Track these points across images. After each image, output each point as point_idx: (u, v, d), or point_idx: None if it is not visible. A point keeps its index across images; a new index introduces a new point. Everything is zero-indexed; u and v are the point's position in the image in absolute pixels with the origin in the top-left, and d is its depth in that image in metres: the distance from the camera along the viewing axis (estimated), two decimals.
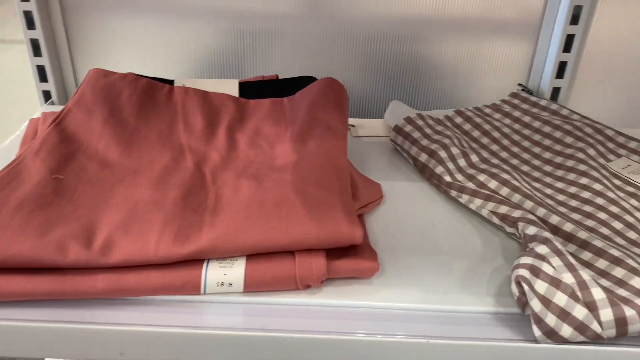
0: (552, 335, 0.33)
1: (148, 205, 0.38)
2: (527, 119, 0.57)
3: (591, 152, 0.51)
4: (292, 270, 0.35)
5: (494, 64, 0.65)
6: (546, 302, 0.33)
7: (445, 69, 0.66)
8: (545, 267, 0.35)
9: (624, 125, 0.69)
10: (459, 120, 0.58)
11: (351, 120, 0.62)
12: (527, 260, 0.35)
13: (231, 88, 0.51)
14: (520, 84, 0.62)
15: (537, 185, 0.48)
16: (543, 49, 0.61)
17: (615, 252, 0.38)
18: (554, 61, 0.60)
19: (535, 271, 0.34)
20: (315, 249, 0.36)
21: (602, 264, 0.38)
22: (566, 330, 0.33)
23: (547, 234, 0.38)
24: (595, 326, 0.32)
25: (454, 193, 0.47)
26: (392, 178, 0.52)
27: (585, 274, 0.34)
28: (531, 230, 0.39)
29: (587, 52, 0.63)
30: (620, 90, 0.66)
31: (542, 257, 0.35)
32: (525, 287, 0.34)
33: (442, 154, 0.50)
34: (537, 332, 0.33)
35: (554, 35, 0.59)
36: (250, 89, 0.52)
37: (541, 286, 0.34)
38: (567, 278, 0.34)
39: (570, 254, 0.40)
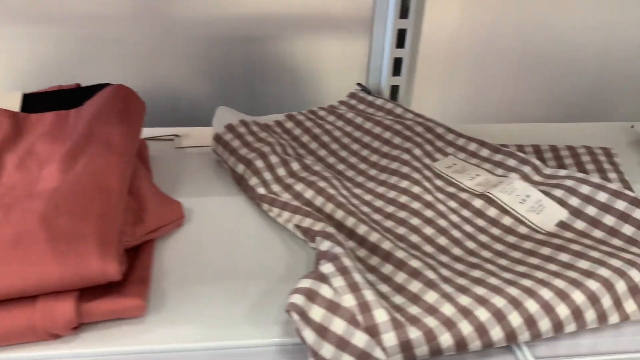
0: None
1: None
2: (359, 120, 0.54)
3: (417, 152, 0.48)
4: (30, 319, 0.29)
5: (333, 63, 0.62)
6: (322, 331, 0.29)
7: (284, 71, 0.62)
8: (324, 290, 0.31)
9: (467, 121, 0.69)
10: (289, 125, 0.54)
11: (178, 130, 0.56)
12: (305, 283, 0.31)
13: (11, 102, 0.44)
14: (358, 84, 0.59)
15: (358, 191, 0.45)
16: (378, 46, 0.59)
17: (415, 264, 0.35)
18: (388, 57, 0.58)
19: (312, 296, 0.31)
20: (63, 291, 0.30)
21: (400, 277, 0.35)
22: None
23: (338, 250, 0.34)
24: (378, 353, 0.29)
25: (265, 207, 0.43)
26: (210, 193, 0.47)
27: (370, 294, 0.31)
28: (324, 245, 0.35)
29: (423, 47, 0.61)
30: (462, 85, 0.65)
31: (322, 278, 0.32)
32: (295, 316, 0.30)
33: (259, 163, 0.46)
34: None
35: (387, 31, 0.57)
36: (39, 102, 0.45)
37: (317, 313, 0.30)
38: (347, 300, 0.30)
39: (372, 268, 0.36)
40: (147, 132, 0.56)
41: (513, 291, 0.32)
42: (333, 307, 0.30)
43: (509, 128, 0.60)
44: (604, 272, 0.34)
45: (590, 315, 0.32)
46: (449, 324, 0.30)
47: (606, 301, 0.33)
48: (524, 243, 0.38)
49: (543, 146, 0.52)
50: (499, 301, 0.31)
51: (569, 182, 0.42)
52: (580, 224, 0.39)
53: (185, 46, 0.60)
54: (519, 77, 0.67)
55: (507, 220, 0.41)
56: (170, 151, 0.53)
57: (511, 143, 0.57)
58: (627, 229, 0.38)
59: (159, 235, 0.39)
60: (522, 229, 0.40)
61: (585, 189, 0.41)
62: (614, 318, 0.33)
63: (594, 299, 0.32)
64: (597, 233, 0.39)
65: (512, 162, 0.46)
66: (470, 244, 0.39)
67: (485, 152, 0.48)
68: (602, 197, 0.40)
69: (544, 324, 0.31)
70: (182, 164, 0.51)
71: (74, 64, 0.60)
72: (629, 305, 0.33)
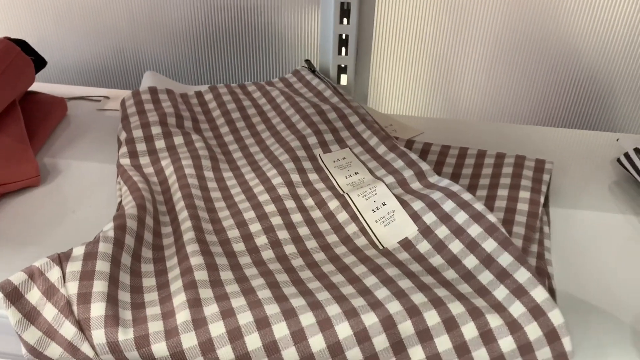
0: None
1: None
2: (280, 99, 0.50)
3: (312, 140, 0.44)
4: None
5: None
6: (33, 314, 0.28)
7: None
8: (52, 273, 0.29)
9: (426, 112, 0.61)
10: (208, 97, 0.51)
11: (110, 92, 0.56)
12: (40, 262, 0.30)
13: None
14: (306, 60, 0.55)
15: (228, 174, 0.42)
16: (326, 21, 0.54)
17: (196, 261, 0.32)
18: (332, 34, 0.52)
19: (35, 276, 0.29)
20: None
21: (173, 273, 0.32)
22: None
23: (110, 234, 0.32)
24: (86, 349, 0.27)
25: (118, 177, 0.42)
26: (90, 158, 0.46)
27: (101, 286, 0.29)
28: (108, 226, 0.33)
29: (382, 26, 0.55)
30: (426, 73, 0.58)
31: (63, 259, 0.30)
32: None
33: (137, 133, 0.44)
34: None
35: (330, 3, 0.51)
36: None
37: (33, 295, 0.28)
38: (71, 288, 0.28)
39: (159, 259, 0.34)
40: (82, 91, 0.56)
41: (270, 309, 0.28)
42: (50, 292, 0.28)
43: (476, 125, 0.53)
44: (393, 307, 0.28)
45: (353, 354, 0.27)
46: (171, 333, 0.27)
47: (379, 343, 0.27)
48: (347, 257, 0.33)
49: (471, 150, 0.45)
50: (237, 320, 0.27)
51: (436, 195, 0.35)
52: (424, 246, 0.33)
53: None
54: (495, 69, 0.58)
55: (351, 228, 0.36)
56: (92, 113, 0.53)
57: (457, 142, 0.50)
58: (470, 261, 0.31)
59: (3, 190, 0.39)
60: (361, 241, 0.35)
61: (448, 206, 0.34)
62: None
63: (361, 337, 0.27)
64: (436, 260, 0.32)
65: (399, 164, 0.40)
66: (290, 248, 0.34)
67: (382, 149, 0.42)
68: (460, 217, 0.33)
69: (288, 354, 0.27)
70: (91, 125, 0.51)
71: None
72: (414, 353, 0.27)
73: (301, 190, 0.39)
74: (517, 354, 0.28)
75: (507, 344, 0.28)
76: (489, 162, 0.43)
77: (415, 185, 0.38)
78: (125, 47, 0.63)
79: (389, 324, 0.28)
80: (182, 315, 0.28)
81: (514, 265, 0.30)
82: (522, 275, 0.29)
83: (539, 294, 0.28)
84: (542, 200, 0.39)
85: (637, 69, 0.58)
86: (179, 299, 0.29)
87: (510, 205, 0.38)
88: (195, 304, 0.28)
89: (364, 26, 0.53)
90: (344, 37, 0.53)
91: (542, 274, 0.34)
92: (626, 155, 0.45)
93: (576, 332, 0.32)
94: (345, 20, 0.52)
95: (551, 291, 0.34)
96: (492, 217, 0.33)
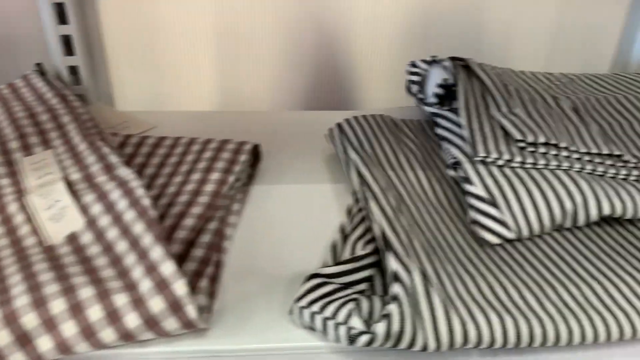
0: None
1: None
2: None
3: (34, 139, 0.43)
4: None
5: None
6: None
7: None
8: None
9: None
10: None
11: None
12: None
13: None
14: (37, 63, 0.54)
15: None
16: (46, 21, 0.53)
17: None
18: (54, 35, 0.51)
19: None
20: None
21: None
22: None
23: None
24: None
25: None
26: None
27: None
28: None
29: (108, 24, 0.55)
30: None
31: None
32: None
33: None
34: None
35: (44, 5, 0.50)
36: None
37: None
38: None
39: None
40: None
41: None
42: None
43: (211, 116, 0.54)
44: (20, 301, 0.28)
45: None
46: None
47: (2, 338, 0.28)
48: (7, 259, 0.33)
49: (183, 139, 0.46)
50: None
51: (109, 186, 0.36)
52: (87, 237, 0.34)
53: None
54: (227, 61, 0.61)
55: (24, 229, 0.36)
56: None
57: (192, 133, 0.51)
58: (121, 246, 0.33)
59: None
60: (30, 241, 0.35)
61: (115, 195, 0.35)
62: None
63: None
64: (94, 249, 0.33)
65: (90, 159, 0.40)
66: None
67: (82, 147, 0.42)
68: (122, 205, 0.35)
69: None
70: None
71: None
72: (41, 344, 0.28)
73: None
74: (144, 328, 0.29)
75: (132, 320, 0.29)
76: (196, 148, 0.45)
77: (101, 178, 0.39)
78: None
79: (11, 319, 0.28)
80: None
81: (152, 244, 0.32)
82: (156, 253, 0.31)
83: (168, 268, 0.30)
84: (231, 179, 0.41)
85: (367, 51, 0.63)
86: None
87: (198, 187, 0.40)
88: None
89: (90, 25, 0.53)
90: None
91: (215, 249, 0.36)
92: (330, 130, 0.49)
93: (244, 302, 0.34)
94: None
95: (219, 264, 0.36)
96: (145, 201, 0.34)
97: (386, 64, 0.64)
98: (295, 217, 0.41)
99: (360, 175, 0.41)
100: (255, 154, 0.47)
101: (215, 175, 0.41)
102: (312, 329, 0.32)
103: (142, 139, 0.47)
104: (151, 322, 0.29)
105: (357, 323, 0.30)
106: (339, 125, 0.48)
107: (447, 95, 0.48)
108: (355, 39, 0.62)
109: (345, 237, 0.38)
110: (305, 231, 0.40)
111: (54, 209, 0.36)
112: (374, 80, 0.65)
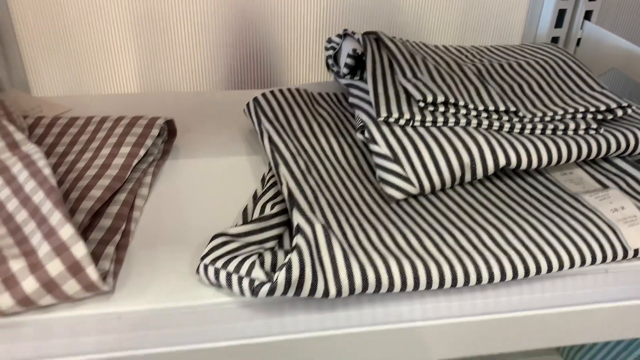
0: None
1: None
2: None
3: None
4: None
5: None
6: None
7: None
8: None
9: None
10: None
11: None
12: None
13: None
14: None
15: None
16: None
17: None
18: None
19: None
20: None
21: None
22: None
23: None
24: None
25: None
26: None
27: None
28: None
29: None
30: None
31: None
32: None
33: None
34: None
35: None
36: None
37: None
38: None
39: None
40: None
41: None
42: None
43: (130, 98, 0.54)
44: None
45: None
46: None
47: None
48: None
49: (95, 118, 0.46)
50: None
51: (11, 161, 0.36)
52: None
53: None
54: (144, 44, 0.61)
55: None
56: None
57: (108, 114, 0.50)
58: (20, 216, 0.32)
59: None
60: None
61: (16, 168, 0.35)
62: None
63: None
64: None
65: None
66: None
67: (11, 128, 0.41)
68: (22, 176, 0.34)
69: None
70: None
71: None
72: None
73: None
74: (43, 292, 0.29)
75: (29, 284, 0.29)
76: (108, 125, 0.45)
77: (4, 155, 0.38)
78: None
79: None
80: None
81: (51, 210, 0.31)
82: (55, 218, 0.31)
83: (66, 231, 0.30)
84: (141, 152, 0.41)
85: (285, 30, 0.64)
86: None
87: (107, 161, 0.40)
88: None
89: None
90: None
91: (123, 219, 0.36)
92: (247, 104, 0.49)
93: (152, 266, 0.34)
94: None
95: (126, 232, 0.36)
96: (46, 171, 0.34)
97: (309, 42, 0.65)
98: (210, 189, 0.42)
99: (271, 142, 0.42)
100: (171, 131, 0.47)
101: (125, 149, 0.41)
102: (218, 285, 0.32)
103: (54, 120, 0.46)
104: (50, 286, 0.29)
105: (258, 274, 0.30)
106: (255, 99, 0.49)
107: (358, 65, 0.50)
108: (277, 18, 0.62)
109: (256, 202, 0.39)
110: (218, 201, 0.40)
111: None
112: (296, 58, 0.66)
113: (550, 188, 0.41)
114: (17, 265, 0.29)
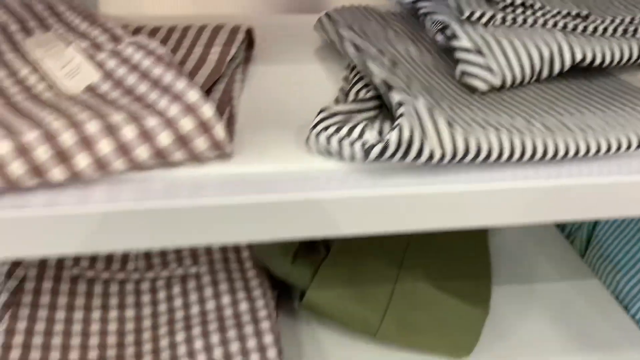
0: None
1: None
2: None
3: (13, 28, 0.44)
4: None
5: None
6: None
7: None
8: None
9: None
10: None
11: None
12: None
13: None
14: None
15: None
16: None
17: None
18: None
19: None
20: None
21: None
22: None
23: None
24: None
25: None
26: None
27: None
28: None
29: None
30: None
31: None
32: None
33: None
34: None
35: None
36: None
37: None
38: None
39: None
40: None
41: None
42: None
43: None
44: (56, 124, 0.30)
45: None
46: None
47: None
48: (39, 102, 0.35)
49: (180, 25, 0.48)
50: None
51: (123, 46, 0.38)
52: (105, 87, 0.36)
53: None
54: None
55: (41, 87, 0.37)
56: None
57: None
58: (141, 88, 0.35)
59: None
60: (49, 94, 0.36)
61: (129, 51, 0.37)
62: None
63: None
64: (114, 94, 0.35)
65: (95, 33, 0.42)
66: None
67: (83, 26, 0.44)
68: (137, 56, 0.36)
69: None
70: None
71: None
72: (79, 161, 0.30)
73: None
74: (176, 146, 0.31)
75: (164, 138, 0.31)
76: (192, 32, 0.47)
77: (110, 46, 0.40)
78: None
79: (49, 136, 0.30)
80: None
81: (174, 79, 0.33)
82: (179, 85, 0.33)
83: (193, 95, 0.32)
84: (233, 51, 0.43)
85: None
86: None
87: (202, 57, 0.42)
88: None
89: None
90: None
91: (227, 102, 0.39)
92: (319, 19, 0.51)
93: (262, 138, 0.37)
94: None
95: (232, 111, 0.38)
96: (160, 50, 0.36)
97: None
98: (298, 88, 0.44)
99: (354, 45, 0.44)
100: (249, 40, 0.49)
101: (216, 49, 0.43)
102: (329, 152, 0.34)
103: (138, 28, 0.48)
104: (182, 141, 0.31)
105: (371, 136, 0.33)
106: (327, 14, 0.51)
107: None
108: None
109: (346, 95, 0.41)
110: (308, 97, 0.42)
111: (67, 67, 0.37)
112: None
113: (618, 87, 0.43)
114: (152, 121, 0.31)
